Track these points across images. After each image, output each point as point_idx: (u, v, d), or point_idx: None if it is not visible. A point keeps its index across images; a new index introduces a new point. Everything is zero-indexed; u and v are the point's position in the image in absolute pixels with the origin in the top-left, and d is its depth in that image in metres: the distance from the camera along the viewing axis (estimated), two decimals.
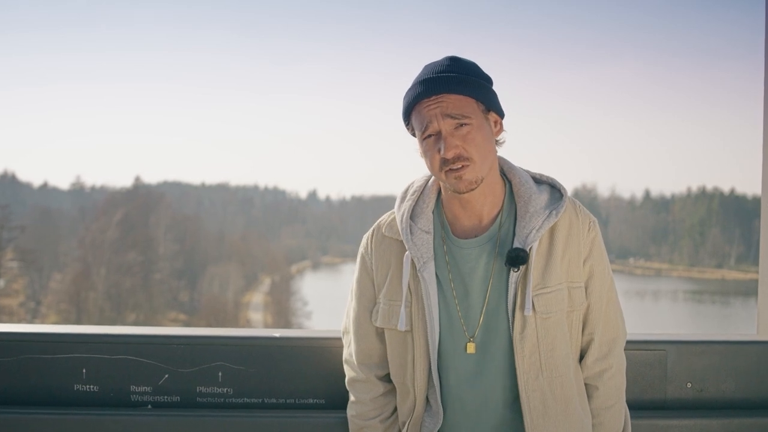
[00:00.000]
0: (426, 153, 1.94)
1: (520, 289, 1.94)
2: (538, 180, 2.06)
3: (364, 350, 2.12)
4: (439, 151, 1.90)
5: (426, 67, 1.98)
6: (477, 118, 1.91)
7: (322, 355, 2.45)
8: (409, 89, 1.96)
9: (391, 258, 2.05)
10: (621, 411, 2.08)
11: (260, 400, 2.47)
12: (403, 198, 2.08)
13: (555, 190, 2.04)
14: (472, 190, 1.92)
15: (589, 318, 2.02)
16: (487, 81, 1.97)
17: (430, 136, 1.92)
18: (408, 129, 2.01)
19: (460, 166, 1.89)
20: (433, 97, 1.90)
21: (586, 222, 2.01)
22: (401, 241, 2.03)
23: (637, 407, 2.44)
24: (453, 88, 1.90)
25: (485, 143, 1.92)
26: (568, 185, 2.05)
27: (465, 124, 1.89)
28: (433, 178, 2.08)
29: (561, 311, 1.96)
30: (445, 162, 1.90)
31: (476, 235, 1.99)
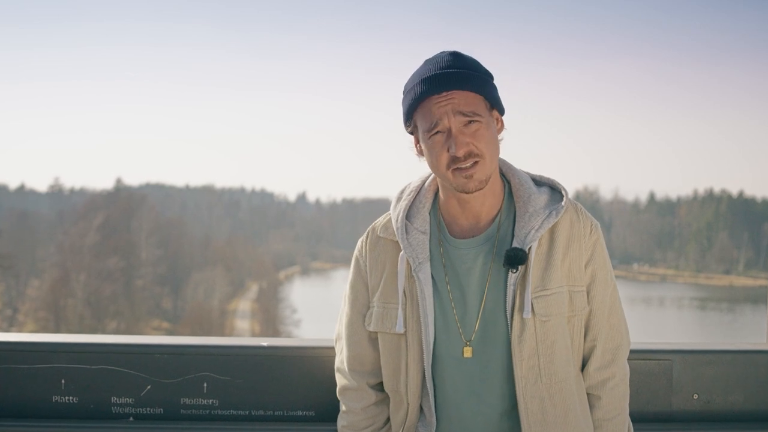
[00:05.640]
0: (431, 150, 1.92)
1: (518, 291, 1.92)
2: (539, 181, 2.06)
3: (357, 356, 2.10)
4: (448, 149, 1.89)
5: (428, 62, 1.96)
6: (485, 116, 1.92)
7: (311, 365, 2.43)
8: (413, 86, 1.94)
9: (386, 259, 2.04)
10: (624, 423, 2.04)
11: (247, 412, 2.44)
12: (398, 198, 2.07)
13: (555, 191, 2.03)
14: (480, 189, 1.92)
15: (592, 324, 2.00)
16: (490, 77, 1.97)
17: (438, 133, 1.90)
18: (407, 127, 1.99)
19: (470, 163, 1.88)
20: (444, 94, 1.90)
21: (588, 225, 2.00)
22: (397, 242, 2.02)
23: (642, 419, 2.42)
24: (463, 85, 1.90)
25: (493, 141, 1.93)
26: (570, 187, 2.05)
27: (475, 121, 1.89)
28: (430, 178, 2.07)
29: (561, 314, 1.94)
30: (454, 160, 1.89)
31: (474, 236, 1.98)
